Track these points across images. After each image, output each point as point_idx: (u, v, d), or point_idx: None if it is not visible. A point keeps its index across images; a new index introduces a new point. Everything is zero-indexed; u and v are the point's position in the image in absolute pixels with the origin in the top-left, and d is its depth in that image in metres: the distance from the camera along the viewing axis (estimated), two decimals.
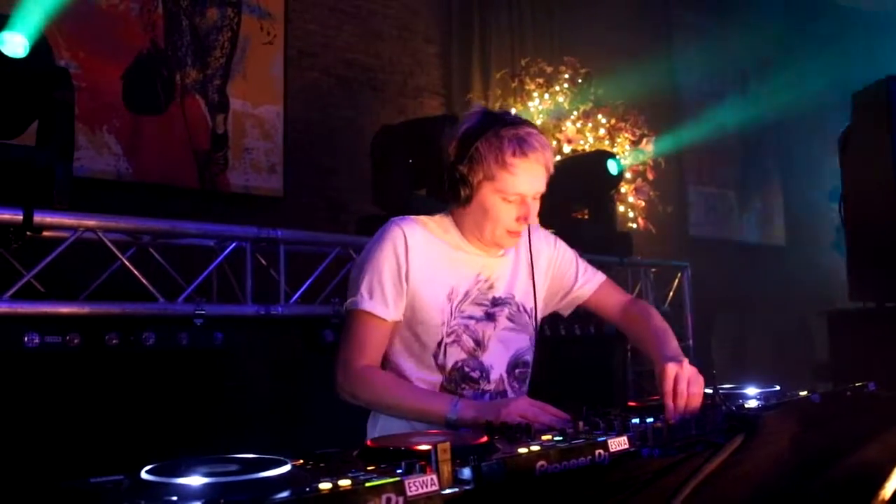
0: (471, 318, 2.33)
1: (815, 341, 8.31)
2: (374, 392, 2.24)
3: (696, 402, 2.00)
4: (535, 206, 2.29)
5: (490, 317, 2.37)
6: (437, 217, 2.40)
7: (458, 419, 2.06)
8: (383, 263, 2.26)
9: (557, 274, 2.54)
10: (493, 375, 2.36)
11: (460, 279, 2.34)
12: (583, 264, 2.59)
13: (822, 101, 8.92)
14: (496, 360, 2.37)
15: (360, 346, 2.26)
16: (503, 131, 2.20)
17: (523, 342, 2.45)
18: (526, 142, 2.20)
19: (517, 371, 2.43)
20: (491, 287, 2.38)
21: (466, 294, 2.33)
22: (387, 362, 2.34)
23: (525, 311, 2.45)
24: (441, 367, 2.30)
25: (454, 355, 2.31)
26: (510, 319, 2.41)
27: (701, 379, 2.06)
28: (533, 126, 2.29)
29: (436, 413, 2.11)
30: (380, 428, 2.33)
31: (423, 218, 2.37)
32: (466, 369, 2.32)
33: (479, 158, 2.20)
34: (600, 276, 2.60)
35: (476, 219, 2.29)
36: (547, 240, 2.55)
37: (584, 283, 2.56)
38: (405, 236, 2.27)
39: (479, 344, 2.34)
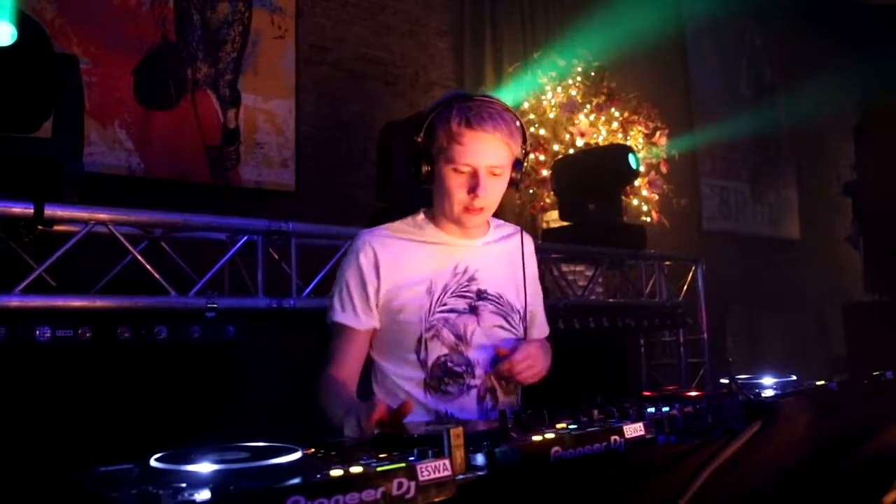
0: (452, 311, 2.32)
1: (831, 335, 8.29)
2: (319, 400, 2.24)
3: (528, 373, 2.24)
4: (491, 184, 2.25)
5: (473, 310, 2.35)
6: (410, 218, 2.43)
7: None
8: (350, 276, 2.34)
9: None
10: (479, 371, 2.33)
11: (438, 273, 2.34)
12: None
13: (839, 94, 8.88)
14: (482, 357, 2.34)
15: (332, 357, 2.32)
16: (457, 104, 2.22)
17: (511, 344, 2.39)
18: (474, 111, 2.19)
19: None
20: (472, 279, 2.37)
21: (445, 287, 2.33)
22: (371, 364, 2.39)
23: (517, 311, 2.43)
24: (423, 363, 2.30)
25: (435, 350, 2.30)
26: (501, 317, 2.39)
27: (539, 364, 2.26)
28: (495, 101, 2.27)
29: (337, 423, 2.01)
30: None
31: (393, 224, 2.42)
32: (450, 364, 2.30)
33: (432, 129, 2.24)
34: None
35: (439, 195, 2.32)
36: (535, 261, 2.57)
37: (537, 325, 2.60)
38: (370, 245, 2.33)
39: (462, 339, 2.32)
